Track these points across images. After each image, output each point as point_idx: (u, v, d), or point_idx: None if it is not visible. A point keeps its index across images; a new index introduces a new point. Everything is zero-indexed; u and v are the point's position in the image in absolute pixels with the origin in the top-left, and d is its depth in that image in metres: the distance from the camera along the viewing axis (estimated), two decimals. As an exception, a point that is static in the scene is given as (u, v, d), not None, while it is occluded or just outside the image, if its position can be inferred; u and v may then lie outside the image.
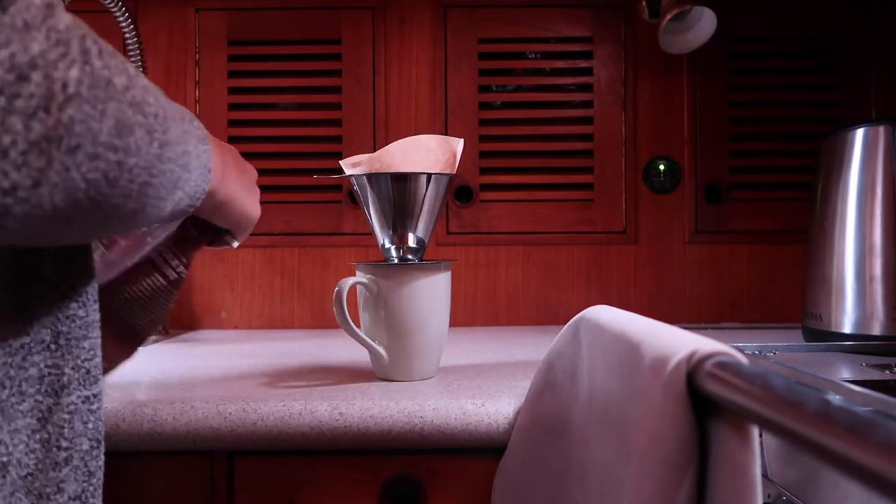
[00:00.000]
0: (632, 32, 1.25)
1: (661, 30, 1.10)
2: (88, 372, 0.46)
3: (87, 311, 0.47)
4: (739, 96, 1.25)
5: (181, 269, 0.58)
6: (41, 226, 0.37)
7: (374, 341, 0.75)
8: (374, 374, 0.78)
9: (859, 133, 0.89)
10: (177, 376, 0.79)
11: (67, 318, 0.45)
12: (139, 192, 0.40)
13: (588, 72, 1.25)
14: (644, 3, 1.12)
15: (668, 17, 1.08)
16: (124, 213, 0.41)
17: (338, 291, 0.72)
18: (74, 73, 0.34)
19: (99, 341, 0.48)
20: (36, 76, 0.33)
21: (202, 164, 0.48)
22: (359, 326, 0.76)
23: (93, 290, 0.48)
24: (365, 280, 0.74)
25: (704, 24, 1.11)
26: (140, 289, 0.56)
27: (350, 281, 0.73)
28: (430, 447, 0.66)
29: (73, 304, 0.46)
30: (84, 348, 0.46)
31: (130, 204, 0.40)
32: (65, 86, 0.34)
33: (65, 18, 0.35)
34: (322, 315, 1.25)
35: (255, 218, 0.59)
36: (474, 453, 0.67)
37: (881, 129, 0.87)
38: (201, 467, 0.68)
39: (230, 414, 0.65)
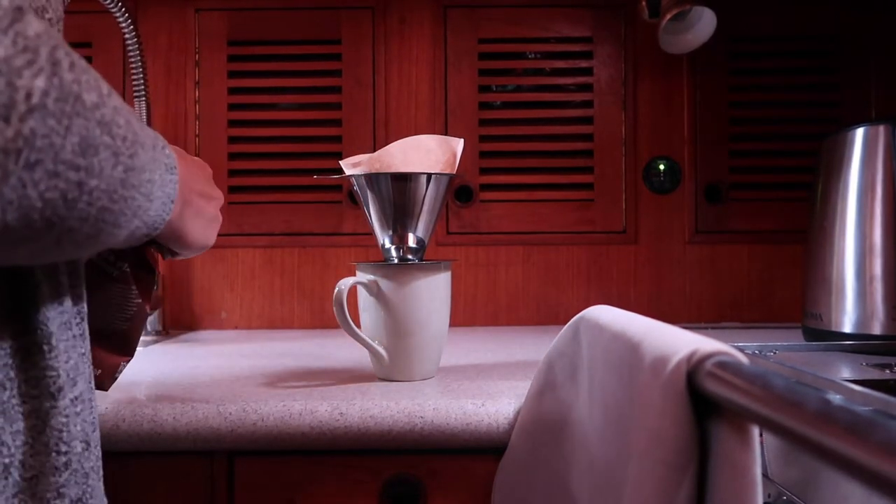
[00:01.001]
0: (632, 32, 1.25)
1: (660, 30, 1.10)
2: (68, 374, 0.46)
3: (65, 307, 0.46)
4: (739, 96, 1.25)
5: (124, 266, 0.57)
6: None
7: (374, 341, 0.75)
8: (374, 374, 0.78)
9: (859, 133, 0.89)
10: (177, 377, 0.79)
11: (59, 313, 0.45)
12: (97, 217, 0.38)
13: (588, 72, 1.25)
14: (644, 2, 1.12)
15: (668, 16, 1.08)
16: (77, 238, 0.38)
17: (338, 291, 0.72)
18: (40, 82, 0.32)
19: (75, 342, 0.47)
20: None
21: (165, 195, 0.46)
22: (359, 326, 0.76)
23: (80, 290, 0.47)
24: (365, 280, 0.74)
25: (704, 23, 1.11)
26: (92, 292, 0.55)
27: (350, 281, 0.73)
28: (430, 447, 0.66)
29: (57, 303, 0.45)
30: (63, 349, 0.46)
31: (85, 228, 0.38)
32: (28, 95, 0.32)
33: (35, 25, 0.32)
34: (322, 315, 1.25)
35: (206, 246, 0.57)
36: (474, 453, 0.67)
37: (881, 129, 0.87)
38: (201, 467, 0.68)
39: (230, 414, 0.65)
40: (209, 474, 0.68)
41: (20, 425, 0.42)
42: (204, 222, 0.56)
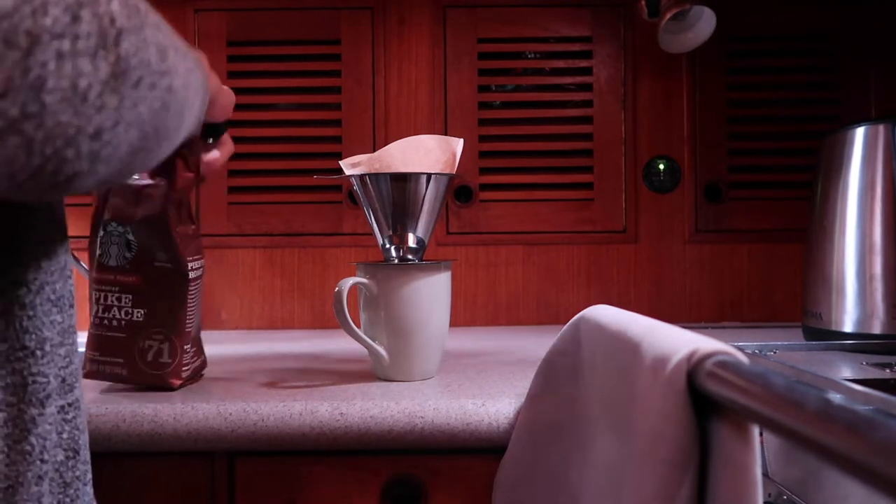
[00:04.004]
0: (631, 32, 1.25)
1: (660, 29, 1.10)
2: (63, 380, 0.44)
3: (62, 317, 0.45)
4: (739, 95, 1.25)
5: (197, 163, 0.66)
6: (117, 168, 0.37)
7: (374, 341, 0.75)
8: (374, 374, 0.78)
9: (859, 132, 0.89)
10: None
11: (52, 322, 0.44)
12: (180, 112, 0.41)
13: (587, 71, 1.25)
14: (643, 2, 1.12)
15: (668, 16, 1.08)
16: (171, 136, 0.41)
17: (338, 292, 0.72)
18: (115, 5, 0.33)
19: (75, 346, 0.46)
20: (85, 14, 0.32)
21: (201, 81, 0.48)
22: (359, 326, 0.76)
23: (69, 295, 0.46)
24: (365, 280, 0.74)
25: (704, 23, 1.11)
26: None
27: (350, 281, 0.73)
28: (430, 447, 0.66)
29: (54, 309, 0.44)
30: (60, 355, 0.44)
31: (176, 123, 0.41)
32: (112, 20, 0.33)
33: None
34: (322, 315, 1.25)
35: (221, 91, 0.62)
36: (475, 453, 0.67)
37: (881, 128, 0.87)
38: (202, 468, 0.68)
39: (231, 414, 0.65)
40: (210, 475, 0.68)
41: None
42: (212, 79, 0.59)
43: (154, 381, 0.70)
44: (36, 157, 0.32)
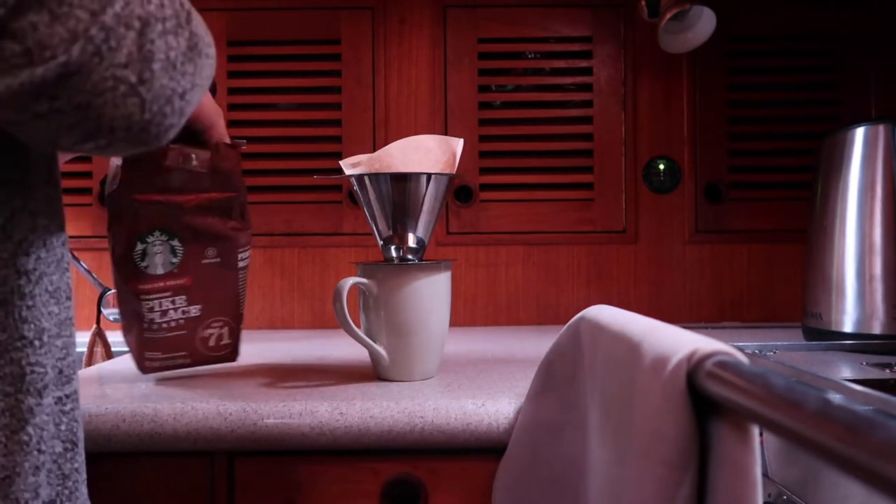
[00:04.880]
0: (631, 32, 1.25)
1: (660, 29, 1.10)
2: (61, 371, 0.45)
3: (60, 308, 0.46)
4: (739, 95, 1.25)
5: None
6: (181, 124, 0.44)
7: (374, 341, 0.75)
8: (374, 374, 0.78)
9: (859, 132, 0.89)
10: (177, 377, 0.79)
11: (49, 313, 0.45)
12: (209, 75, 0.47)
13: (588, 71, 1.25)
14: (643, 2, 1.12)
15: (668, 16, 1.08)
16: (208, 92, 0.52)
17: (338, 292, 0.72)
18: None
19: (73, 339, 0.47)
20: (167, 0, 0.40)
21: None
22: (359, 326, 0.76)
23: (66, 287, 0.47)
24: (365, 280, 0.74)
25: (704, 23, 1.11)
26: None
27: (350, 281, 0.73)
28: (430, 447, 0.66)
29: (51, 301, 0.45)
30: (58, 346, 0.45)
31: (211, 83, 0.49)
32: (182, 3, 0.41)
33: None
34: (322, 315, 1.25)
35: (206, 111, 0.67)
36: (475, 453, 0.67)
37: (881, 128, 0.87)
38: (202, 468, 0.68)
39: (230, 414, 0.65)
40: (209, 474, 0.68)
41: None
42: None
43: (217, 360, 0.76)
44: (147, 112, 0.40)
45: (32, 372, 0.43)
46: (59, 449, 0.45)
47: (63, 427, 0.45)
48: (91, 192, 1.25)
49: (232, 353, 0.77)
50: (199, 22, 0.43)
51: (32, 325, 0.43)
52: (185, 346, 0.73)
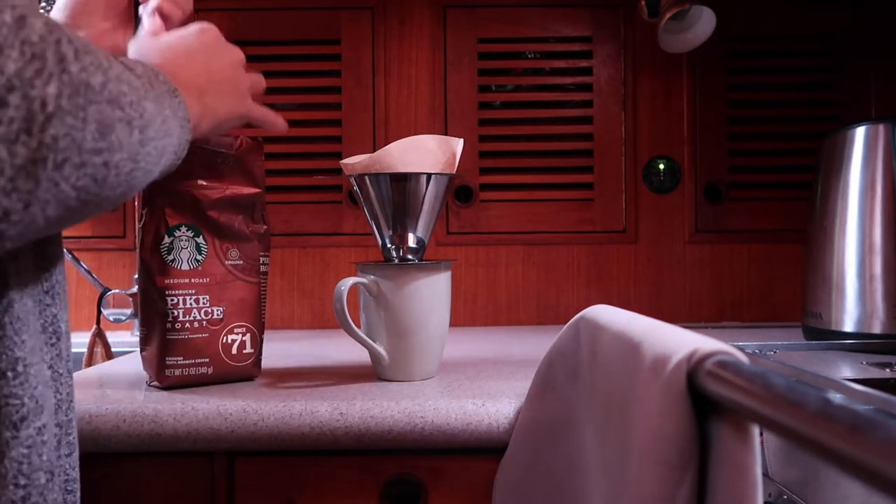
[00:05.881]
0: (631, 32, 1.25)
1: (660, 29, 1.10)
2: (37, 401, 0.43)
3: (30, 335, 0.43)
4: (739, 95, 1.25)
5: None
6: (36, 235, 0.37)
7: (374, 341, 0.75)
8: (374, 374, 0.78)
9: (859, 132, 0.89)
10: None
11: (23, 342, 0.42)
12: (127, 181, 0.41)
13: (587, 71, 1.25)
14: (643, 2, 1.12)
15: (668, 16, 1.08)
16: (115, 200, 0.41)
17: (338, 292, 0.72)
18: (52, 88, 0.33)
19: (42, 367, 0.45)
20: (14, 98, 0.32)
21: (180, 118, 0.47)
22: (359, 326, 0.76)
23: (56, 309, 0.46)
24: (365, 280, 0.74)
25: (704, 23, 1.11)
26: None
27: (350, 281, 0.73)
28: (430, 447, 0.66)
29: (24, 329, 0.42)
30: (33, 375, 0.43)
31: (120, 190, 0.41)
32: (44, 104, 0.33)
33: (38, 27, 0.33)
34: (322, 315, 1.25)
35: (244, 116, 0.62)
36: (475, 453, 0.67)
37: (881, 128, 0.87)
38: (202, 468, 0.68)
39: (231, 414, 0.65)
40: (209, 475, 0.68)
41: None
42: (231, 98, 0.58)
43: (238, 373, 0.75)
44: None
45: (7, 405, 0.41)
46: (42, 480, 0.43)
47: (45, 457, 0.43)
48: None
49: (254, 366, 0.76)
50: (76, 124, 0.35)
51: (4, 356, 0.41)
52: (207, 351, 0.72)
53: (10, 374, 0.41)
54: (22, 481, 0.41)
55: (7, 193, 0.33)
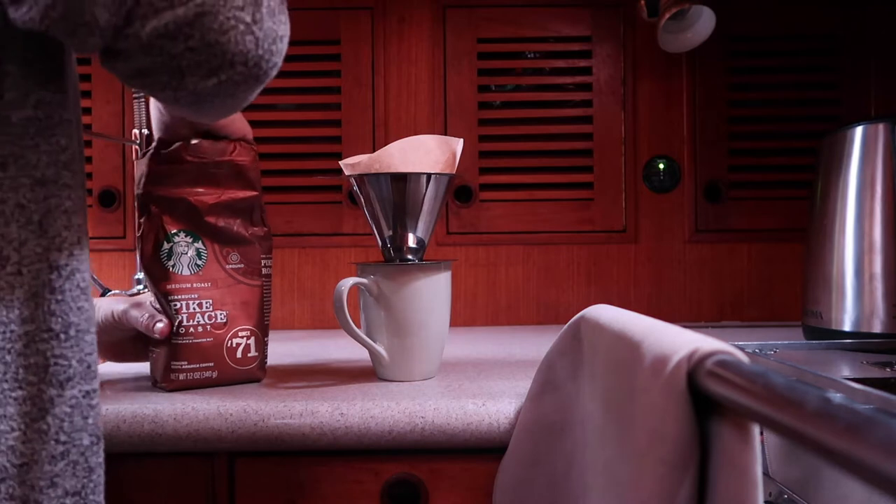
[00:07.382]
0: (631, 32, 1.25)
1: (660, 29, 1.10)
2: (90, 366, 0.47)
3: (90, 305, 0.47)
4: (739, 95, 1.25)
5: None
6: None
7: (374, 341, 0.75)
8: (374, 374, 0.78)
9: (859, 131, 0.89)
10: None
11: (79, 309, 0.46)
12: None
13: (587, 71, 1.25)
14: (643, 2, 1.12)
15: (667, 15, 1.08)
16: None
17: (338, 292, 0.72)
18: None
19: (93, 337, 0.48)
20: None
21: None
22: (359, 327, 0.76)
23: (87, 285, 0.48)
24: (365, 280, 0.74)
25: (703, 22, 1.11)
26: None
27: (350, 281, 0.73)
28: (431, 447, 0.66)
29: (81, 297, 0.46)
30: (87, 342, 0.47)
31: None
32: None
33: None
34: (322, 315, 1.25)
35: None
36: (475, 453, 0.67)
37: (881, 127, 0.87)
38: (202, 468, 0.68)
39: (231, 415, 0.65)
40: (210, 475, 0.68)
41: (11, 410, 0.42)
42: None
43: (243, 376, 0.75)
44: (260, 49, 0.46)
45: (56, 364, 0.44)
46: (86, 442, 0.46)
47: (90, 420, 0.47)
48: (91, 194, 1.25)
49: (259, 369, 0.76)
50: None
51: (60, 319, 0.44)
52: (212, 355, 0.73)
53: (62, 335, 0.44)
54: (63, 438, 0.44)
55: (281, 22, 0.49)
